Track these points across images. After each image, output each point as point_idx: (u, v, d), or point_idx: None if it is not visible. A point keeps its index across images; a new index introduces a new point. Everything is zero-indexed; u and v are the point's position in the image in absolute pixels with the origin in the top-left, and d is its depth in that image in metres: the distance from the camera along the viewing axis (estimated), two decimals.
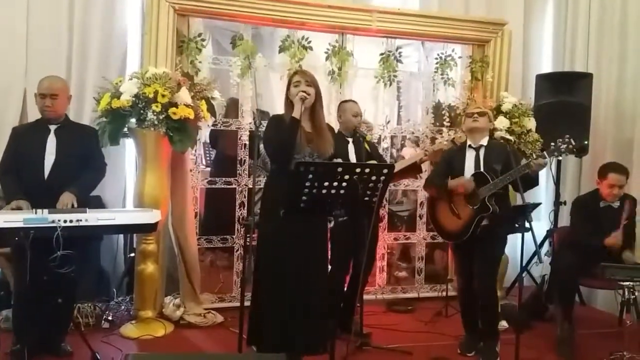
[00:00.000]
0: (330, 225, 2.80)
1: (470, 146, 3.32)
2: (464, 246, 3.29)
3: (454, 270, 4.19)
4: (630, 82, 4.54)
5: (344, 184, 2.52)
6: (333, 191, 2.53)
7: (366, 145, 3.53)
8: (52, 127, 3.08)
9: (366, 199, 2.62)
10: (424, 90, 4.64)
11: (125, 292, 3.99)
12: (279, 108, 3.90)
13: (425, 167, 4.49)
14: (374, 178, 2.56)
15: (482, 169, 3.21)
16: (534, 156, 3.16)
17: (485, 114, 3.38)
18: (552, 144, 3.13)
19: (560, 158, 3.18)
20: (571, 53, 4.93)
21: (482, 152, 3.28)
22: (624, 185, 3.71)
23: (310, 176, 2.48)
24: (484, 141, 3.32)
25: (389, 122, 4.42)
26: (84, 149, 3.15)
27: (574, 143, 3.08)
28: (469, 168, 3.27)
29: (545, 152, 3.14)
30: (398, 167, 3.75)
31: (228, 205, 4.08)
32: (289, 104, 2.91)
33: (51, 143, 3.05)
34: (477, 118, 3.30)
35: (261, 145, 2.94)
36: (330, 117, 3.80)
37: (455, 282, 3.69)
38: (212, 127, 4.02)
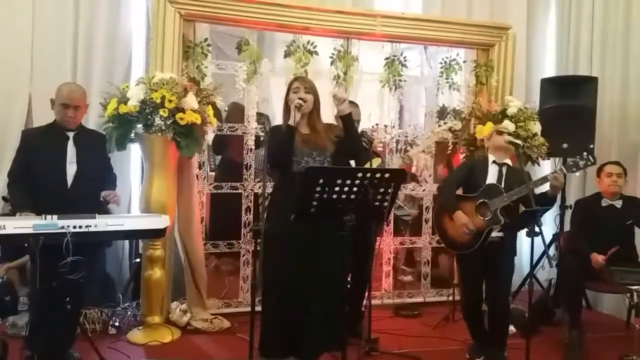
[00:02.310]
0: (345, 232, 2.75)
1: (494, 162, 3.28)
2: (472, 257, 3.21)
3: (456, 282, 4.19)
4: (634, 86, 4.54)
5: (355, 188, 2.52)
6: (344, 196, 2.53)
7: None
8: (70, 134, 3.07)
9: (376, 203, 2.61)
10: (429, 94, 4.64)
11: (131, 297, 3.97)
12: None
13: (430, 173, 4.50)
14: (384, 183, 2.56)
15: (502, 185, 3.18)
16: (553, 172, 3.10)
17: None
18: (571, 160, 3.08)
19: (577, 174, 3.15)
20: (575, 57, 4.93)
21: (505, 169, 3.25)
22: (621, 175, 3.75)
23: (321, 181, 2.48)
24: (509, 161, 3.30)
25: (394, 126, 4.42)
26: (101, 157, 3.23)
27: (592, 160, 3.03)
28: (491, 182, 3.22)
29: (563, 167, 3.09)
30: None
31: (234, 210, 4.07)
32: (287, 109, 2.92)
33: (71, 151, 3.05)
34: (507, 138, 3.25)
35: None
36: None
37: (459, 295, 3.64)
38: (218, 132, 4.00)
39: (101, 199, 3.05)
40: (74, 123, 3.08)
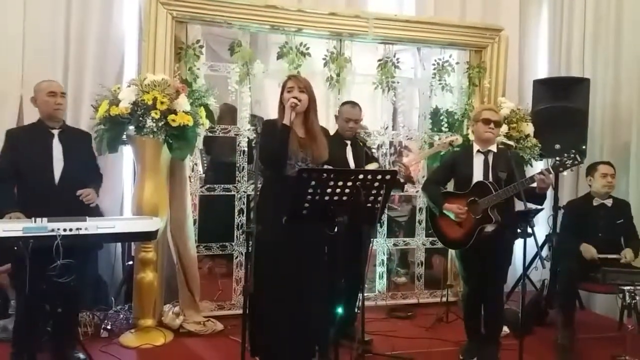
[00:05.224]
0: (333, 232, 2.75)
1: (478, 151, 3.26)
2: (472, 253, 3.24)
3: (454, 275, 4.19)
4: (626, 87, 4.55)
5: (347, 190, 2.51)
6: (336, 198, 2.51)
7: (367, 150, 3.53)
8: (55, 132, 3.07)
9: (369, 205, 2.60)
10: (422, 96, 4.64)
11: (123, 300, 3.94)
12: (275, 114, 3.89)
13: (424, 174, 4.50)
14: (377, 184, 2.55)
15: (490, 175, 3.19)
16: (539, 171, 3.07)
17: (500, 125, 3.30)
18: (557, 159, 3.05)
19: (565, 174, 3.13)
20: (567, 58, 4.96)
21: (490, 157, 3.24)
22: (614, 175, 3.79)
23: (313, 183, 2.47)
24: (493, 147, 3.28)
25: (387, 128, 4.42)
26: (86, 154, 3.22)
27: (579, 159, 3.00)
28: (478, 173, 3.22)
29: (550, 167, 3.05)
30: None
31: (227, 212, 4.06)
32: (282, 109, 2.88)
33: (57, 148, 3.05)
34: (492, 129, 3.21)
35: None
36: (329, 123, 3.80)
37: (461, 288, 3.67)
38: (211, 134, 3.99)
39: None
40: (63, 111, 3.14)
